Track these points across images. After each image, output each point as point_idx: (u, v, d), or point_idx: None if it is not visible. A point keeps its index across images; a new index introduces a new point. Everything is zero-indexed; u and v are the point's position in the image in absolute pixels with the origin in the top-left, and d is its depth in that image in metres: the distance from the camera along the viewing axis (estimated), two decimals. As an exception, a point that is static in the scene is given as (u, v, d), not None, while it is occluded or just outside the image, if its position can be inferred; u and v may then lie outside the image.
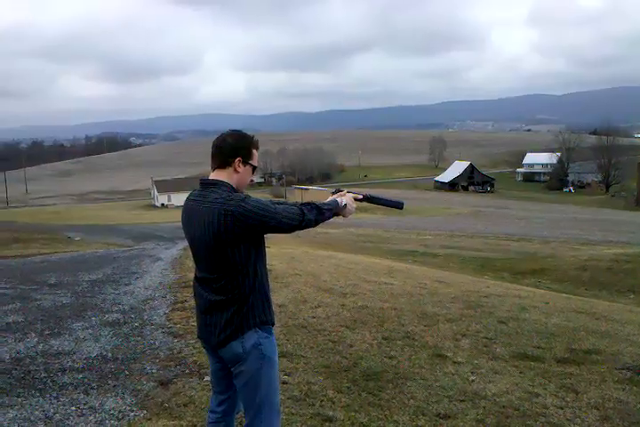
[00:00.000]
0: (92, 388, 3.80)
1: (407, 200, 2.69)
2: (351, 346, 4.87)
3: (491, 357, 4.84)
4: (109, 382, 3.92)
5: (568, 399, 3.91)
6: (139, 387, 3.83)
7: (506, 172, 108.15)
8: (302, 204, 2.39)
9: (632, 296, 17.07)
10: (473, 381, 4.19)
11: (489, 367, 4.53)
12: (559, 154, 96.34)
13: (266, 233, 2.30)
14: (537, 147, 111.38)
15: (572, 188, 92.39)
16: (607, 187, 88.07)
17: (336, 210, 2.48)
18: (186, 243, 12.51)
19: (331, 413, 3.44)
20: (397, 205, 2.76)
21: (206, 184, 2.36)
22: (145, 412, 3.42)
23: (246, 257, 2.29)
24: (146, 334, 5.11)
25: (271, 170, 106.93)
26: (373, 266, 12.87)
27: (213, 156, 2.39)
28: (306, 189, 73.79)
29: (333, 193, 2.62)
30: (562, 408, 3.75)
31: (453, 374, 4.31)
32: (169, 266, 10.02)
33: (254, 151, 2.42)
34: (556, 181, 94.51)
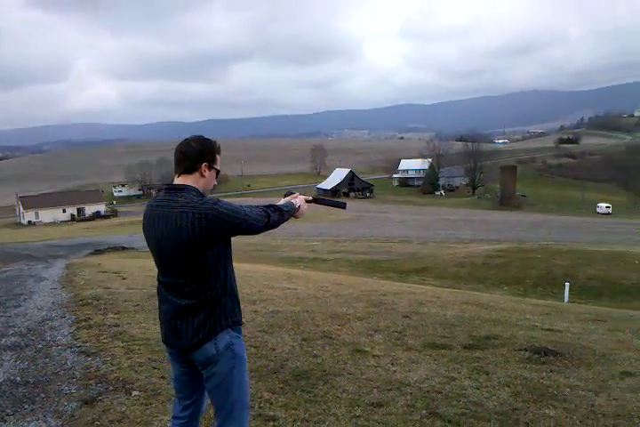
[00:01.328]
0: (8, 414, 3.51)
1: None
2: (274, 349, 4.93)
3: (405, 348, 5.13)
4: (26, 406, 3.65)
5: (481, 380, 4.26)
6: (60, 408, 3.61)
7: (383, 178, 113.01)
8: (266, 206, 2.45)
9: (505, 288, 18.70)
10: (395, 371, 4.43)
11: (406, 358, 4.81)
12: (430, 160, 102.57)
13: (236, 235, 2.32)
14: (410, 154, 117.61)
15: (442, 191, 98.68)
16: (474, 189, 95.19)
17: (293, 211, 2.57)
18: (67, 261, 11.75)
19: (271, 413, 3.48)
20: (341, 205, 2.91)
21: (174, 189, 2.35)
22: (76, 432, 3.24)
23: (217, 259, 2.30)
24: (54, 354, 4.79)
25: (150, 181, 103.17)
26: (270, 273, 12.97)
27: (179, 161, 2.38)
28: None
29: (285, 195, 2.70)
30: (478, 388, 4.08)
31: (376, 367, 4.52)
32: (57, 285, 9.40)
33: (218, 156, 2.44)
34: (429, 185, 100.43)
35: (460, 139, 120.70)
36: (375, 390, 3.97)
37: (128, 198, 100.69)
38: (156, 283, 2.46)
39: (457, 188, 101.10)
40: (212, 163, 2.40)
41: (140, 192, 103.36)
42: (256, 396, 3.76)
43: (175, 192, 2.33)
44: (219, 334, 2.31)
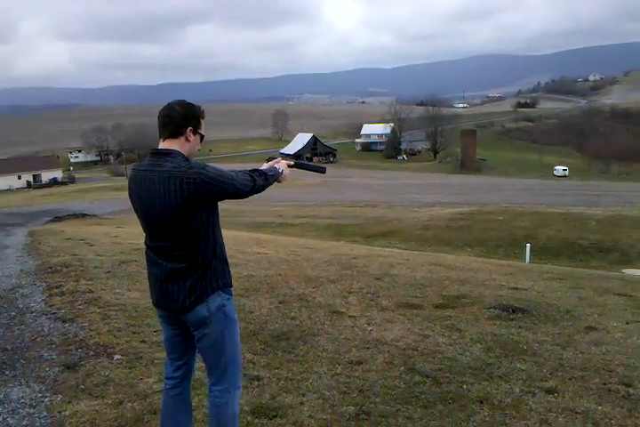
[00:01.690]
0: (-11, 381, 3.50)
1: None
2: (252, 312, 4.99)
3: (379, 309, 5.27)
4: (7, 372, 3.64)
5: (454, 337, 4.43)
6: (42, 374, 3.61)
7: (346, 142, 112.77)
8: (251, 170, 2.47)
9: (469, 249, 19.19)
10: (371, 330, 4.56)
11: (381, 318, 4.94)
12: (392, 124, 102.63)
13: (223, 199, 2.33)
14: (372, 118, 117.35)
15: (404, 156, 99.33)
16: (435, 153, 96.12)
17: (277, 176, 2.58)
18: (27, 228, 11.44)
19: (256, 372, 3.57)
20: (321, 170, 2.94)
21: (160, 154, 2.33)
22: (61, 396, 3.25)
23: (207, 223, 2.32)
24: (29, 321, 4.74)
25: (107, 147, 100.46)
26: (239, 238, 12.96)
27: (164, 125, 2.35)
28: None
29: (268, 160, 2.71)
30: (451, 345, 4.24)
31: (353, 327, 4.64)
32: (23, 253, 9.22)
33: (202, 121, 2.43)
34: (391, 149, 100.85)
35: (421, 103, 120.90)
36: (354, 349, 4.09)
37: (85, 165, 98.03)
38: (144, 247, 2.46)
39: (419, 152, 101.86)
40: (196, 127, 2.38)
41: (98, 158, 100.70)
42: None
43: (161, 157, 2.31)
44: (210, 296, 2.35)
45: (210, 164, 2.31)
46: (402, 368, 3.72)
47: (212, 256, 2.36)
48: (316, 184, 51.50)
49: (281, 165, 2.66)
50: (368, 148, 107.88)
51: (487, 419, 3.00)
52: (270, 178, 2.52)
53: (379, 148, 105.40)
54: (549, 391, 3.37)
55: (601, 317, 5.21)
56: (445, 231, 21.44)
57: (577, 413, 3.09)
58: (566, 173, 74.93)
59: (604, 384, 3.49)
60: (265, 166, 2.62)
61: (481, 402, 3.20)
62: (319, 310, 5.12)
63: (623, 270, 14.91)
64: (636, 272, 14.72)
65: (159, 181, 2.25)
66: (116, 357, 3.85)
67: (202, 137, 2.43)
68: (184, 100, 2.41)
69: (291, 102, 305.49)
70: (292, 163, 2.73)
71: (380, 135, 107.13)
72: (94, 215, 26.10)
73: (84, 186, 59.02)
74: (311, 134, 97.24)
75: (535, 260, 15.77)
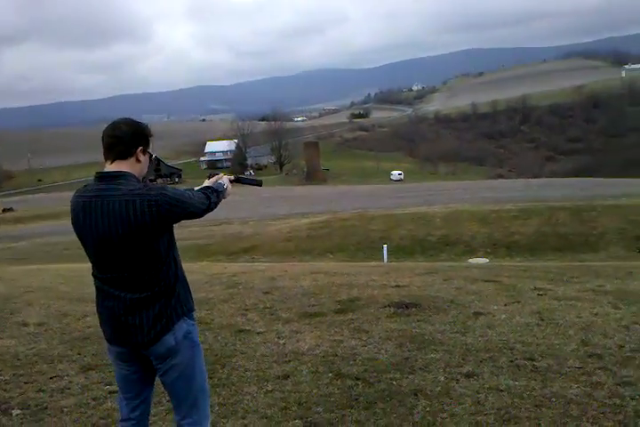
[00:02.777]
0: None
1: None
2: (153, 343, 4.69)
3: (283, 321, 5.25)
4: None
5: (365, 338, 4.57)
6: None
7: (190, 161, 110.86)
8: (203, 188, 2.39)
9: (331, 256, 19.84)
10: (284, 343, 4.54)
11: (289, 330, 4.94)
12: (236, 141, 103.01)
13: (181, 220, 2.20)
14: (215, 135, 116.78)
15: (251, 171, 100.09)
16: (281, 166, 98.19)
17: (224, 192, 2.49)
18: None
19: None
20: (259, 183, 2.93)
21: (110, 177, 2.15)
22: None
23: (167, 246, 2.20)
24: None
25: None
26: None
27: (110, 146, 2.18)
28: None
29: (209, 177, 2.61)
30: (365, 346, 4.37)
31: (265, 342, 4.58)
32: None
33: (150, 139, 2.30)
34: (238, 165, 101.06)
35: (263, 118, 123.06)
36: (275, 364, 4.04)
37: None
38: (93, 280, 2.24)
39: (265, 166, 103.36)
40: (146, 147, 2.26)
41: None
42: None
43: (112, 180, 2.14)
44: (176, 324, 2.22)
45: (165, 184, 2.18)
46: (330, 375, 3.75)
47: (175, 281, 2.24)
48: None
49: (225, 180, 2.59)
50: (214, 165, 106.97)
51: (428, 409, 3.15)
52: (220, 194, 2.44)
53: (225, 164, 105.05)
54: (469, 375, 3.62)
55: (482, 302, 5.69)
56: (307, 241, 21.94)
57: (500, 390, 3.36)
58: (402, 176, 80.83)
59: (512, 362, 3.83)
60: (208, 183, 2.53)
61: (415, 395, 3.35)
62: (224, 332, 4.97)
63: (469, 260, 16.44)
64: (480, 260, 16.31)
65: (114, 206, 2.08)
66: (15, 412, 3.41)
67: (151, 156, 2.30)
68: (130, 118, 2.27)
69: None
70: (233, 177, 2.69)
71: (225, 152, 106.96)
72: None
73: None
74: (153, 155, 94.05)
75: (392, 259, 16.73)
